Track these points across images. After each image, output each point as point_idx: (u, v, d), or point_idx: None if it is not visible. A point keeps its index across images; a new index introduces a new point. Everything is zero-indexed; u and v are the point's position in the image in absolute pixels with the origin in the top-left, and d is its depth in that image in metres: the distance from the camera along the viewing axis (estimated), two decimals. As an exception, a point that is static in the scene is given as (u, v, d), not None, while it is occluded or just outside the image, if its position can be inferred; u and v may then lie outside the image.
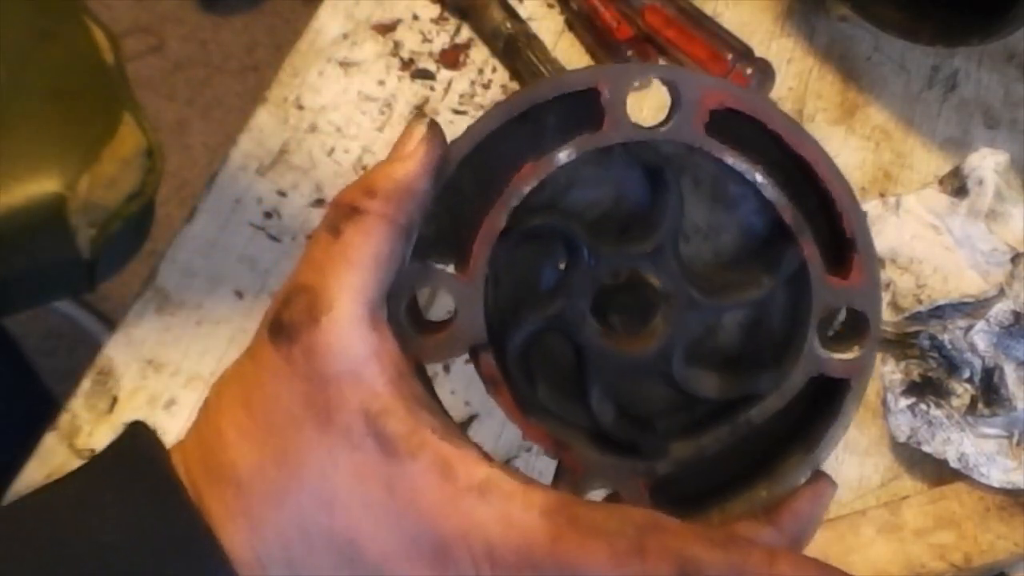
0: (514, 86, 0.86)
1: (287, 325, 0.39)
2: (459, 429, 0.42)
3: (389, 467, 0.39)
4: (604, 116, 0.43)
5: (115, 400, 0.68)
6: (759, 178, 0.42)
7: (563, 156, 0.42)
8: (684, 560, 0.37)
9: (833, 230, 0.43)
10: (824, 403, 0.43)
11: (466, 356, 0.47)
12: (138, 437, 0.41)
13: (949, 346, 0.71)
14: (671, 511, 0.39)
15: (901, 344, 0.74)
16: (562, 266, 0.44)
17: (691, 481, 0.43)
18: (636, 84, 0.44)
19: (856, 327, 0.43)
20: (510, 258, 0.43)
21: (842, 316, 0.43)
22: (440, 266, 0.43)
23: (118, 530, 0.38)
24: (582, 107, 0.43)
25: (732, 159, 0.42)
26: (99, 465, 0.41)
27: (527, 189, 0.42)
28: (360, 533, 0.39)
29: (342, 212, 0.41)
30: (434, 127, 0.43)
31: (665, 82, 0.44)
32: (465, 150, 0.42)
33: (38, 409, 0.89)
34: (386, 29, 0.89)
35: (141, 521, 0.38)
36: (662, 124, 0.43)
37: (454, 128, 0.88)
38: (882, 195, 0.83)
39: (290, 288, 0.40)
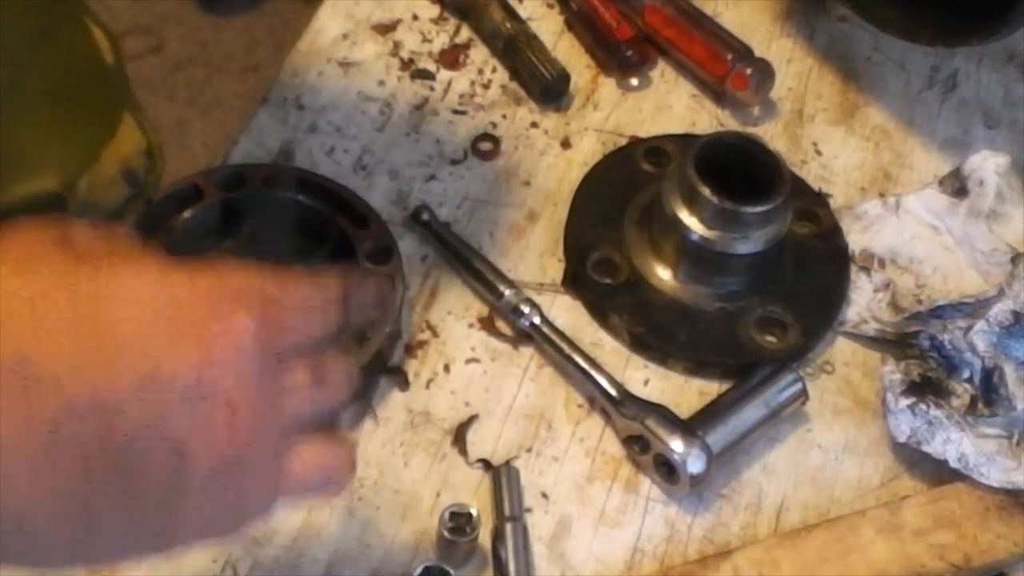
0: (514, 86, 0.87)
1: None
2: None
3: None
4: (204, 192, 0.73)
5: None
6: (301, 197, 0.74)
7: (186, 214, 0.73)
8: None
9: (354, 213, 0.74)
10: None
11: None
12: None
13: (949, 346, 0.71)
14: None
15: (901, 344, 0.74)
16: None
17: None
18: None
19: (387, 257, 0.72)
20: None
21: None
22: None
23: None
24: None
25: (283, 193, 0.74)
26: None
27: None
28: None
29: None
30: None
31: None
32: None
33: None
34: (386, 29, 0.89)
35: None
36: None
37: (453, 128, 0.88)
38: (882, 195, 0.83)
39: None
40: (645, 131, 0.85)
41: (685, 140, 0.82)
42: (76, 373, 0.39)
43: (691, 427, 0.67)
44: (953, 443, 0.68)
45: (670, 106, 0.87)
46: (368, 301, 0.51)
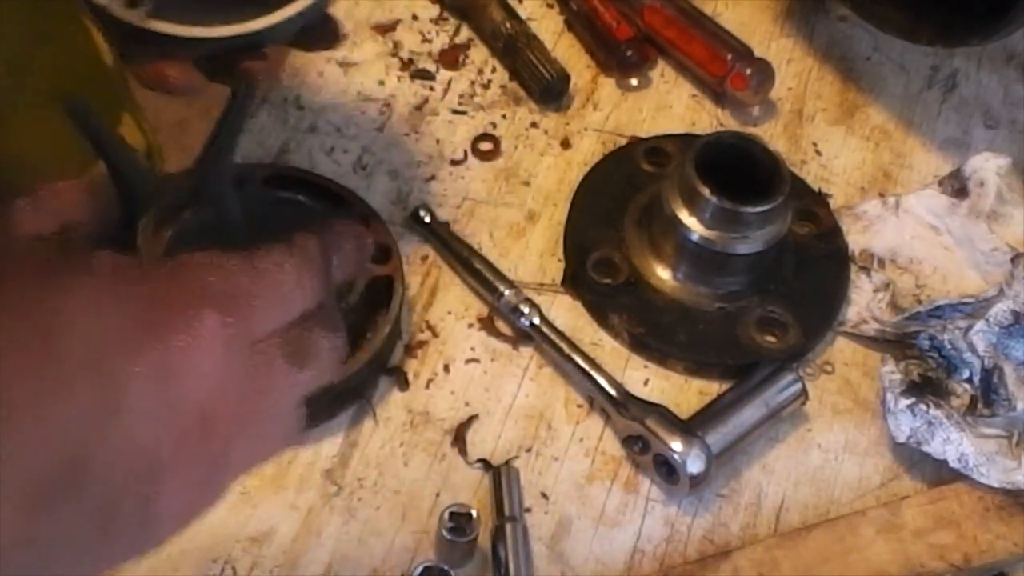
0: (514, 86, 0.87)
1: None
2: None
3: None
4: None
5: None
6: (301, 197, 0.73)
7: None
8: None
9: (354, 213, 0.73)
10: (380, 293, 0.70)
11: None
12: None
13: (949, 346, 0.71)
14: None
15: (901, 344, 0.74)
16: None
17: None
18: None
19: (387, 257, 0.71)
20: None
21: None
22: None
23: None
24: None
25: (283, 193, 0.73)
26: None
27: None
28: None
29: None
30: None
31: None
32: None
33: None
34: (386, 29, 0.89)
35: None
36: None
37: (452, 128, 0.88)
38: (882, 195, 0.83)
39: None
40: (645, 131, 0.85)
41: (685, 140, 0.82)
42: (28, 405, 0.34)
43: (691, 427, 0.67)
44: (953, 443, 0.68)
45: (670, 106, 0.87)
46: (349, 258, 0.47)
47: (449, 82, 0.87)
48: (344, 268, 0.46)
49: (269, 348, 0.41)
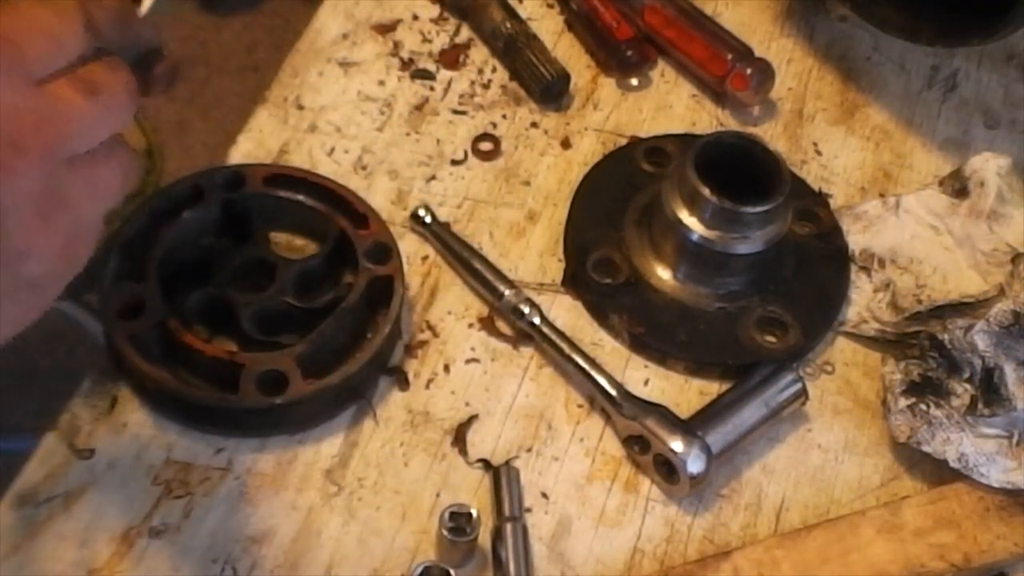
0: (514, 86, 0.87)
1: None
2: None
3: None
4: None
5: (115, 400, 0.68)
6: (301, 197, 0.74)
7: (186, 214, 0.72)
8: None
9: (354, 213, 0.74)
10: (380, 292, 0.71)
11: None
12: None
13: (949, 346, 0.71)
14: (317, 369, 0.66)
15: (901, 344, 0.74)
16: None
17: (324, 352, 0.68)
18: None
19: (387, 257, 0.72)
20: None
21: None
22: None
23: None
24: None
25: (283, 193, 0.74)
26: None
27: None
28: None
29: None
30: None
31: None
32: None
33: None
34: (386, 29, 0.89)
35: None
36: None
37: (453, 128, 0.88)
38: (882, 195, 0.83)
39: None
40: (645, 131, 0.85)
41: (685, 140, 0.82)
42: None
43: (691, 427, 0.67)
44: (953, 443, 0.68)
45: (670, 106, 0.87)
46: (112, 11, 0.50)
47: (449, 82, 0.87)
48: (108, 17, 0.49)
49: (54, 82, 0.45)
